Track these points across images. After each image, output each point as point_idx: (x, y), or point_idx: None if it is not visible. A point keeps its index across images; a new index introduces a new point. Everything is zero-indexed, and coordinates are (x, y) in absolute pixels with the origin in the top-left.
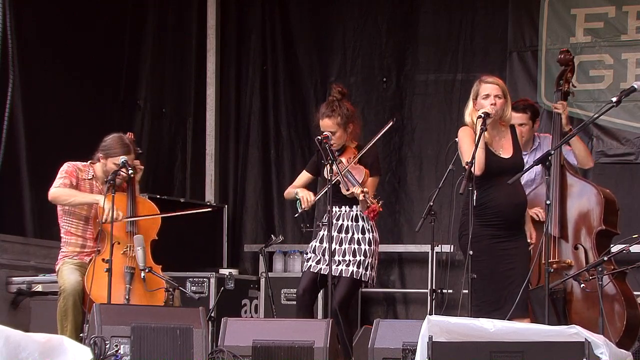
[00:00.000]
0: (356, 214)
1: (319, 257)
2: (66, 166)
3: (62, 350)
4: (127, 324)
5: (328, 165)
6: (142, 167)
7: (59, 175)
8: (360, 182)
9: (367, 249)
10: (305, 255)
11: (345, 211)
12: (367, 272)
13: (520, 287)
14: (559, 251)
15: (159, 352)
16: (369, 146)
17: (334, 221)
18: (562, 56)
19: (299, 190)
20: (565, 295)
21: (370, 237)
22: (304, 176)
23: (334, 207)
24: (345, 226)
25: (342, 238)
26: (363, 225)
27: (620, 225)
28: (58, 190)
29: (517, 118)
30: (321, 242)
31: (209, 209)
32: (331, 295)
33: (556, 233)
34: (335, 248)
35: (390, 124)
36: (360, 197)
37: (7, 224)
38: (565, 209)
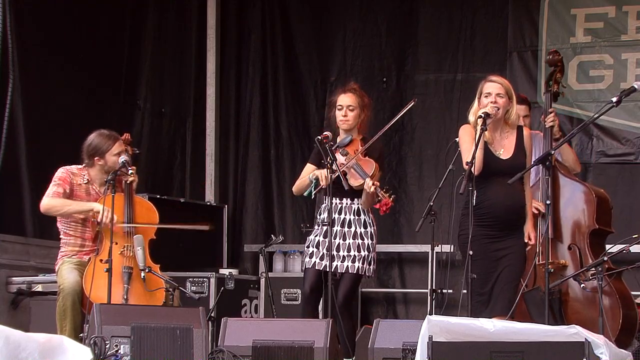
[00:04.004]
0: (357, 208)
1: (322, 253)
2: (60, 172)
3: (62, 350)
4: (127, 324)
5: (328, 166)
6: (136, 177)
7: (52, 183)
8: (370, 175)
9: (369, 244)
10: (306, 249)
11: (347, 204)
12: (371, 267)
13: (508, 285)
14: (553, 252)
15: (159, 352)
16: (387, 127)
17: (336, 215)
18: (550, 57)
19: (314, 172)
20: (561, 296)
21: (372, 231)
22: (309, 168)
23: (334, 199)
24: (347, 220)
25: (345, 232)
26: (365, 219)
27: (619, 225)
28: (50, 202)
29: (521, 109)
30: (325, 237)
31: (206, 227)
32: (331, 294)
33: (550, 234)
34: (338, 242)
35: (412, 103)
36: (371, 190)
37: (7, 224)
38: (558, 209)
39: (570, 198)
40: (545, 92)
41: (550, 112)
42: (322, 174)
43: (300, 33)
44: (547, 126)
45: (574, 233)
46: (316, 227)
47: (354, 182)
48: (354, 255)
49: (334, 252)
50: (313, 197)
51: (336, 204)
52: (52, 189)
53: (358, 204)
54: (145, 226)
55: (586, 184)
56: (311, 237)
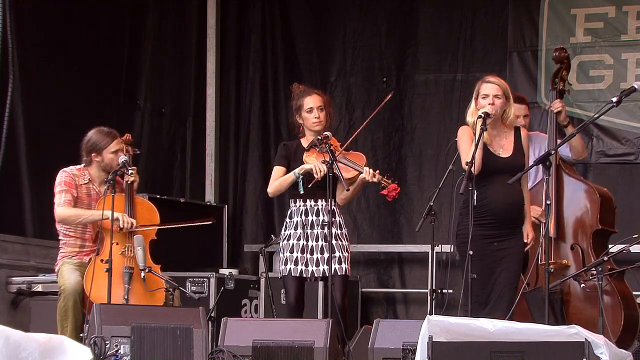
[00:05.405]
0: (333, 209)
1: (306, 259)
2: (62, 176)
3: (62, 350)
4: (127, 324)
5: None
6: (137, 177)
7: (58, 189)
8: (362, 166)
9: (347, 245)
10: (282, 255)
11: (322, 205)
12: (350, 267)
13: (507, 287)
14: (556, 252)
15: (159, 352)
16: (367, 121)
17: (314, 217)
18: (557, 54)
19: (303, 166)
20: (562, 295)
21: (345, 231)
22: (281, 171)
23: (309, 200)
24: (326, 222)
25: (325, 234)
26: (339, 220)
27: (619, 225)
28: (65, 211)
29: (521, 109)
30: (299, 240)
31: (209, 222)
32: (331, 294)
33: (553, 233)
34: (321, 245)
35: (389, 96)
36: (375, 180)
37: (7, 224)
38: (561, 209)
39: (573, 197)
40: (551, 90)
41: (556, 100)
42: (317, 166)
43: (300, 33)
44: (554, 111)
45: (576, 233)
46: (292, 231)
47: (346, 174)
48: (339, 256)
49: (318, 255)
50: (302, 192)
51: (312, 205)
52: (61, 197)
53: (333, 205)
54: (148, 229)
55: (590, 184)
56: (283, 242)
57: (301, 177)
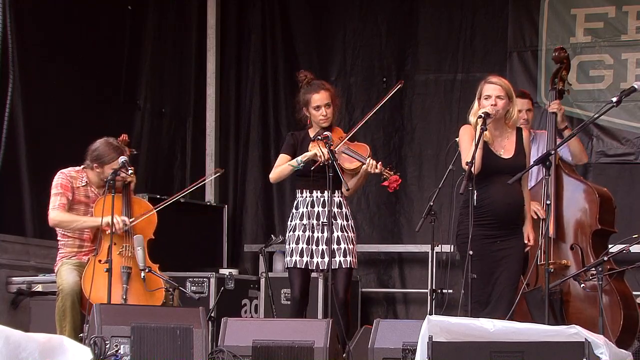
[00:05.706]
0: (339, 201)
1: (311, 250)
2: (59, 179)
3: (62, 350)
4: (127, 324)
5: (328, 165)
6: (134, 178)
7: (54, 192)
8: (367, 157)
9: (353, 237)
10: (287, 246)
11: (329, 197)
12: (355, 260)
13: (507, 287)
14: (556, 252)
15: (159, 352)
16: (375, 109)
17: (320, 208)
18: (556, 54)
19: (305, 154)
20: (562, 296)
21: (352, 223)
22: (285, 159)
23: (315, 191)
24: (333, 213)
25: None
26: (346, 211)
27: (619, 225)
28: (59, 216)
29: (524, 104)
30: (305, 231)
31: (219, 173)
32: (331, 294)
33: (553, 234)
34: (327, 236)
35: (399, 86)
36: (377, 170)
37: (7, 224)
38: (561, 209)
39: (572, 198)
40: (550, 89)
41: (555, 101)
42: (319, 150)
43: (300, 33)
44: (550, 111)
45: (576, 233)
46: (298, 221)
47: (349, 165)
48: (344, 248)
49: (323, 246)
50: (301, 167)
51: (318, 197)
52: (56, 200)
53: (339, 196)
54: (147, 215)
55: (589, 184)
56: (289, 233)
57: (303, 164)
